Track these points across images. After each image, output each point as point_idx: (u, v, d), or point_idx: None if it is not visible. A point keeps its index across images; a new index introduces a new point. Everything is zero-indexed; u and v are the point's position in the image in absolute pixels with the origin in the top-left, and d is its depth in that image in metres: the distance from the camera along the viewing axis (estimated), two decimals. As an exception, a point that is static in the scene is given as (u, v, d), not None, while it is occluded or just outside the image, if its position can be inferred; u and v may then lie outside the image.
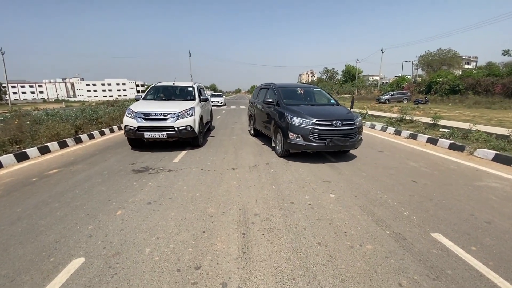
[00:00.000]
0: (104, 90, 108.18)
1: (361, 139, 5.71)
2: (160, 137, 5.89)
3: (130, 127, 5.90)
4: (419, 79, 43.87)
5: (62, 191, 3.90)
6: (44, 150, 6.29)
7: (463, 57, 55.76)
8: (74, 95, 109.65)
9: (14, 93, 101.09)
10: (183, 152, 6.19)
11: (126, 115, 6.04)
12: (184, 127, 5.97)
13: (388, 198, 3.68)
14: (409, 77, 49.21)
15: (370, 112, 14.64)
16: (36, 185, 4.18)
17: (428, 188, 4.07)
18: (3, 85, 46.60)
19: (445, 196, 3.75)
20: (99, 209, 3.31)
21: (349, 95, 47.93)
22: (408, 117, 10.74)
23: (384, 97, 30.42)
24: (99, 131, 8.86)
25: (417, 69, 54.46)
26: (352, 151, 6.39)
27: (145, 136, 5.87)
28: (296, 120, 5.40)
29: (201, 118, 6.83)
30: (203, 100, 7.48)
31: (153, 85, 7.83)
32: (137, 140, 6.35)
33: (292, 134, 5.40)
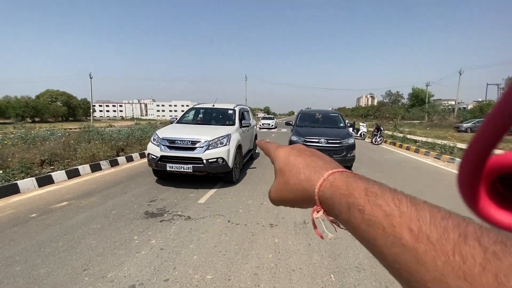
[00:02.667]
0: (170, 111, 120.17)
1: (353, 155, 6.57)
2: (185, 170, 4.71)
3: (152, 156, 4.86)
4: None
5: (44, 242, 2.97)
6: (73, 174, 5.83)
7: None
8: (146, 114, 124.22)
9: (100, 111, 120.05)
10: (214, 189, 4.96)
11: (151, 142, 5.03)
12: (215, 159, 4.71)
13: None
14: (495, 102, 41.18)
15: (458, 144, 11.37)
16: (26, 226, 3.39)
17: None
18: (93, 104, 55.02)
19: None
20: (60, 288, 2.20)
21: (418, 121, 42.20)
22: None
23: (466, 125, 25.56)
24: (139, 154, 8.44)
25: (507, 92, 45.43)
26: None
27: (168, 169, 4.76)
28: (294, 138, 6.71)
29: (240, 147, 5.55)
30: (245, 125, 6.24)
31: (190, 107, 7.01)
32: (163, 172, 5.17)
33: None
